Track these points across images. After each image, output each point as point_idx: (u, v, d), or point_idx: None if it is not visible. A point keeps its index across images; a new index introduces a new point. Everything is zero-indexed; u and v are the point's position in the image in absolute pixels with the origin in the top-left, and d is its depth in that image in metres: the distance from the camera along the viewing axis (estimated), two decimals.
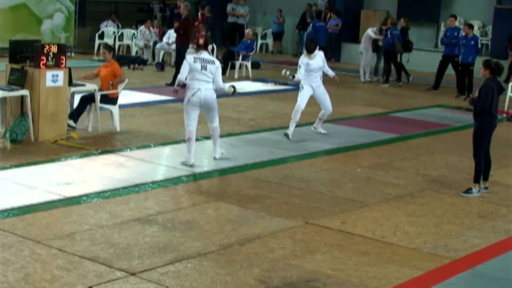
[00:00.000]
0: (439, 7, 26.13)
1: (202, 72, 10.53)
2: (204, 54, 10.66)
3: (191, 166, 10.62)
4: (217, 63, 10.76)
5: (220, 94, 11.26)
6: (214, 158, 11.08)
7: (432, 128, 15.25)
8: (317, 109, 13.60)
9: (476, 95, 10.01)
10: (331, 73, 13.73)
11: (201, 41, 10.78)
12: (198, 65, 10.53)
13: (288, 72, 13.21)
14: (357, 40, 26.99)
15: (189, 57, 10.72)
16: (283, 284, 6.76)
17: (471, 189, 10.12)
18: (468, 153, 11.09)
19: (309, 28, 23.02)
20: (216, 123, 10.95)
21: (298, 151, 12.23)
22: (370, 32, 22.28)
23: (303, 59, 13.07)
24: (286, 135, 12.82)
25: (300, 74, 12.98)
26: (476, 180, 10.14)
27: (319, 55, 13.13)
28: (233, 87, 11.42)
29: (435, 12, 26.08)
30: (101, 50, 13.99)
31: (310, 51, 13.03)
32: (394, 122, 15.65)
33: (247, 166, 11.05)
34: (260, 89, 19.54)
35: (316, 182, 10.46)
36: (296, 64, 13.32)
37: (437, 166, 11.79)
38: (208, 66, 10.57)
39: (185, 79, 10.68)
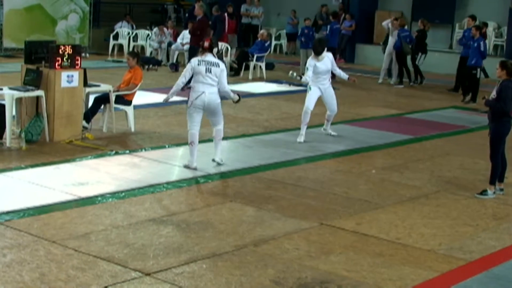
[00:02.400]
0: (453, 8, 26.03)
1: (207, 75, 10.38)
2: (209, 57, 10.50)
3: (194, 169, 10.54)
4: (222, 65, 10.58)
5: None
6: (213, 160, 10.87)
7: (447, 129, 15.20)
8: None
9: (494, 96, 9.92)
10: (343, 75, 13.50)
11: (206, 44, 10.59)
12: (202, 68, 10.39)
13: (295, 74, 13.04)
14: (371, 41, 26.99)
15: (193, 60, 10.56)
16: (297, 285, 6.75)
17: (486, 190, 10.08)
18: (482, 155, 11.07)
19: (327, 30, 22.94)
20: (219, 126, 10.79)
21: (312, 152, 12.22)
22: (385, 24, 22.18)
23: (310, 61, 12.87)
24: (300, 143, 12.64)
25: (308, 76, 12.81)
26: (492, 182, 10.10)
27: (327, 57, 12.94)
28: (239, 95, 11.16)
29: (450, 13, 25.98)
30: (125, 56, 14.22)
31: (317, 53, 12.83)
32: (409, 123, 15.61)
33: (262, 167, 11.04)
34: (274, 90, 19.55)
35: (330, 183, 10.45)
36: None
37: (452, 168, 11.76)
38: (213, 69, 10.41)
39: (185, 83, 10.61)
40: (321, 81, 12.97)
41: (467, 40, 19.77)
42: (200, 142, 10.82)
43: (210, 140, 11.38)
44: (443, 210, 9.45)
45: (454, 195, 10.15)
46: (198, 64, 10.43)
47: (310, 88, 13.02)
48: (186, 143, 11.99)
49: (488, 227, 8.87)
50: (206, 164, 10.79)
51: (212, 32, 21.88)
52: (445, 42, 26.12)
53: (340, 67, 13.94)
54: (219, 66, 10.48)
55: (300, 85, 18.99)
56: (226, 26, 23.54)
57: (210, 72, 10.40)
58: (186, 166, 10.64)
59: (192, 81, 10.50)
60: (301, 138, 12.76)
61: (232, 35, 24.55)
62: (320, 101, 13.23)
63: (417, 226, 8.70)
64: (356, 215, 8.97)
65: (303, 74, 13.40)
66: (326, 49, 13.01)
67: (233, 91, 11.14)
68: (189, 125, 10.59)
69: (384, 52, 22.24)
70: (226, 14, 24.05)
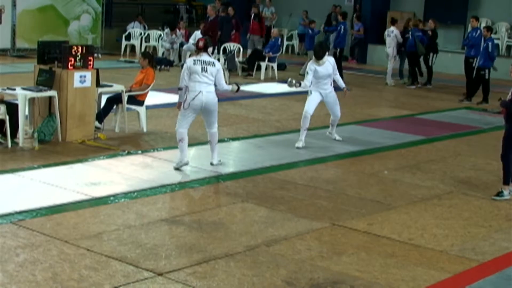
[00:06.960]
0: (466, 9, 25.97)
1: (203, 74, 10.29)
2: (204, 56, 10.42)
3: (186, 164, 10.50)
4: (218, 65, 10.49)
5: (237, 96, 11.17)
6: (211, 164, 10.78)
7: (459, 130, 15.17)
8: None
9: (510, 97, 9.88)
10: (341, 83, 13.07)
11: (200, 43, 10.54)
12: (198, 67, 10.30)
13: (294, 81, 12.77)
14: (383, 42, 26.93)
15: (189, 60, 10.54)
16: (309, 285, 6.75)
17: (502, 192, 10.01)
18: (495, 155, 11.04)
19: (341, 29, 22.85)
20: (215, 129, 10.68)
21: (324, 152, 12.21)
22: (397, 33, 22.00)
23: (311, 66, 12.52)
24: (298, 148, 12.33)
25: (307, 81, 12.46)
26: (506, 182, 10.05)
27: (328, 61, 12.57)
28: (237, 84, 11.18)
29: (462, 13, 25.91)
30: (138, 56, 14.28)
31: (318, 58, 12.46)
32: (421, 124, 15.58)
33: (273, 167, 11.04)
34: (286, 90, 19.39)
35: (342, 183, 10.44)
36: None
37: (464, 168, 11.73)
38: (209, 68, 10.33)
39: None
40: (322, 86, 12.60)
41: (470, 40, 19.62)
42: (208, 142, 10.86)
43: (221, 141, 11.38)
44: (456, 211, 9.43)
45: (467, 196, 10.13)
46: (194, 64, 10.35)
47: (310, 93, 12.68)
48: (198, 143, 12.04)
49: (500, 228, 8.84)
50: (217, 164, 10.81)
51: (219, 33, 22.01)
52: (457, 43, 26.01)
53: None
54: (215, 65, 10.41)
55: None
56: (242, 27, 23.63)
57: (206, 71, 10.32)
58: (177, 165, 10.53)
59: (188, 81, 10.40)
60: (299, 144, 12.40)
61: (256, 35, 24.49)
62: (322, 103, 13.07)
63: (429, 226, 8.68)
64: (368, 216, 8.96)
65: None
66: (327, 53, 12.74)
67: (230, 83, 11.11)
68: (179, 124, 10.49)
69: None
70: (252, 15, 24.29)
